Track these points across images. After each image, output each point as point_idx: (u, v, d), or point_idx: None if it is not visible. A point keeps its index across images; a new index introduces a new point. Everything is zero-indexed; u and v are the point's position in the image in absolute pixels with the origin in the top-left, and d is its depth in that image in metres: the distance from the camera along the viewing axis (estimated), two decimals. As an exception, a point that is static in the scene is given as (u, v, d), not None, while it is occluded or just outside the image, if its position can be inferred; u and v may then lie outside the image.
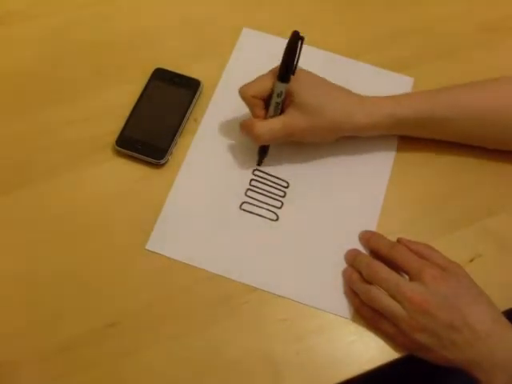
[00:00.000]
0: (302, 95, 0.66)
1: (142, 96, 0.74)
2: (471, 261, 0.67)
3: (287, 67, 0.64)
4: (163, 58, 0.77)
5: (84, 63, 0.78)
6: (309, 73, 0.67)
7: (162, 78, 0.75)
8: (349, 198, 0.70)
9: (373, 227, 0.68)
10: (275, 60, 0.77)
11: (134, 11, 0.82)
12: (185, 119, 0.73)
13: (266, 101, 0.67)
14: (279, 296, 0.65)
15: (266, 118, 0.68)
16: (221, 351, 0.62)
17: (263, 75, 0.67)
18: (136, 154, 0.71)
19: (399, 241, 0.66)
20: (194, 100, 0.74)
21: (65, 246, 0.67)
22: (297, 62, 0.64)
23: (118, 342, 0.62)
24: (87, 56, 0.78)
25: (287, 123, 0.66)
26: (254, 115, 0.68)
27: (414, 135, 0.71)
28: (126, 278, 0.65)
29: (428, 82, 0.75)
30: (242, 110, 0.75)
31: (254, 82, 0.68)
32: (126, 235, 0.67)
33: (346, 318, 0.64)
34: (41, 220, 0.68)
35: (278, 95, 0.66)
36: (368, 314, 0.63)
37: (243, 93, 0.67)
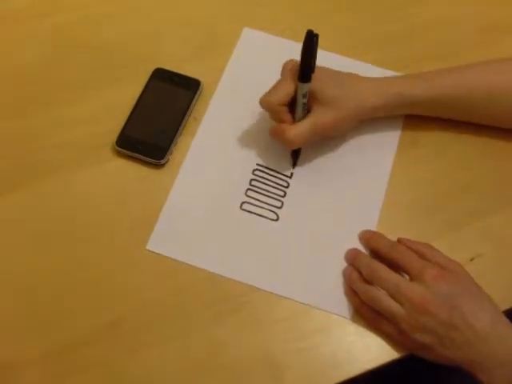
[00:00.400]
0: (324, 91, 0.66)
1: (142, 96, 0.74)
2: (471, 260, 0.67)
3: (308, 67, 0.64)
4: (163, 57, 0.77)
5: (84, 63, 0.78)
6: (323, 68, 0.68)
7: (162, 77, 0.75)
8: (349, 198, 0.70)
9: (373, 227, 0.68)
10: (275, 60, 0.77)
11: (135, 11, 0.82)
12: (185, 119, 0.73)
13: (289, 105, 0.67)
14: (279, 296, 0.65)
15: (294, 121, 0.68)
16: (221, 351, 0.62)
17: (281, 81, 0.67)
18: (136, 154, 0.71)
19: (399, 241, 0.66)
20: (194, 100, 0.74)
21: (65, 246, 0.67)
22: (315, 60, 0.64)
23: (119, 342, 0.62)
24: (87, 56, 0.78)
25: (317, 121, 0.67)
26: (281, 121, 0.68)
27: (423, 114, 0.72)
28: (126, 278, 0.65)
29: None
30: (241, 109, 0.75)
31: (274, 89, 0.67)
32: (126, 235, 0.67)
33: (346, 318, 0.64)
34: (41, 220, 0.68)
35: (304, 96, 0.66)
36: (368, 313, 0.63)
37: (266, 103, 0.67)
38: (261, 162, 0.72)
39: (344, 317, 0.64)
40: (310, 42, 0.63)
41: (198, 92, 0.75)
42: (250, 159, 0.72)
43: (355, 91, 0.68)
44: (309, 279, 0.66)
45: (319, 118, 0.67)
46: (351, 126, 0.71)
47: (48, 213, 0.68)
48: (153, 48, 0.79)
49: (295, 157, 0.71)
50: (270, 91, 0.68)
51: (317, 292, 0.65)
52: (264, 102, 0.68)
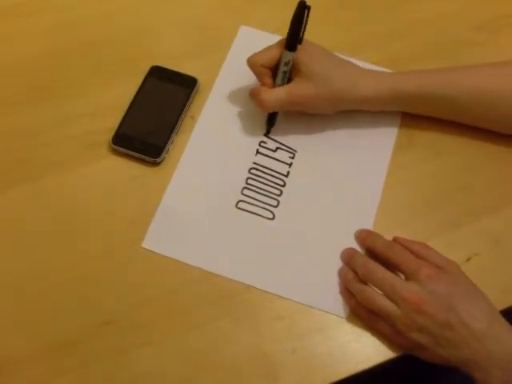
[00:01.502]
0: (309, 65, 0.67)
1: (138, 94, 0.74)
2: (468, 260, 0.67)
3: (294, 36, 0.65)
4: (160, 55, 0.77)
5: (81, 60, 0.77)
6: (315, 44, 0.69)
7: (158, 75, 0.75)
8: (345, 198, 0.70)
9: (369, 226, 0.68)
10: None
11: (131, 9, 0.82)
12: (181, 117, 0.73)
13: (274, 70, 0.69)
14: (275, 295, 0.65)
15: (273, 86, 0.69)
16: (217, 350, 0.62)
17: (271, 45, 0.69)
18: (132, 152, 0.71)
19: (395, 239, 0.66)
20: (191, 98, 0.74)
21: (61, 244, 0.67)
22: (303, 31, 0.65)
23: (115, 340, 0.62)
24: (84, 53, 0.78)
25: (293, 91, 0.68)
26: (262, 84, 0.70)
27: (414, 112, 0.72)
28: (122, 276, 0.65)
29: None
30: (238, 108, 0.75)
31: (262, 51, 0.69)
32: (122, 233, 0.67)
33: (342, 318, 0.64)
34: (36, 217, 0.68)
35: (286, 64, 0.67)
36: (364, 313, 0.63)
37: (251, 62, 0.69)
38: (257, 161, 0.72)
39: (340, 316, 0.64)
40: (301, 12, 0.64)
41: (195, 90, 0.75)
42: (247, 158, 0.72)
43: (341, 76, 0.68)
44: (305, 278, 0.66)
45: (296, 88, 0.68)
46: (330, 109, 0.71)
47: (44, 210, 0.68)
48: (149, 46, 0.79)
49: (270, 122, 0.72)
50: (258, 52, 0.69)
51: (313, 291, 0.65)
52: (249, 61, 0.69)
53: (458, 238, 0.68)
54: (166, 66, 0.76)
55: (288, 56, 0.67)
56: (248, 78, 0.76)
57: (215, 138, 0.73)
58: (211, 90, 0.76)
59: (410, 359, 0.61)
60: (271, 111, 0.71)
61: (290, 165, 0.72)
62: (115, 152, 0.71)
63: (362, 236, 0.67)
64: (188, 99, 0.74)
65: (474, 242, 0.68)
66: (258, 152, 0.72)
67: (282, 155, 0.72)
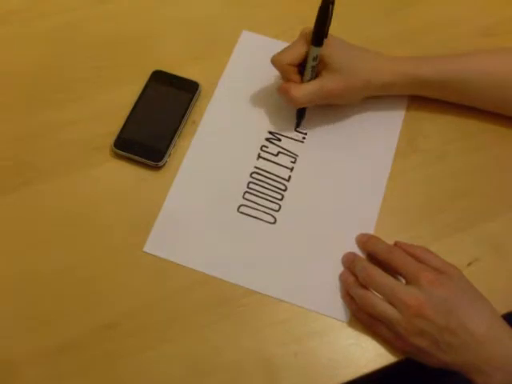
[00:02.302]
0: (335, 58, 0.68)
1: (140, 98, 0.74)
2: (469, 265, 0.67)
3: (320, 31, 0.66)
4: (162, 60, 0.77)
5: (83, 64, 0.78)
6: (335, 37, 0.70)
7: (160, 80, 0.75)
8: (346, 202, 0.70)
9: (370, 230, 0.68)
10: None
11: (134, 13, 0.82)
12: (183, 121, 0.73)
13: (299, 67, 0.70)
14: (276, 299, 0.65)
15: (301, 82, 0.70)
16: (218, 353, 0.62)
17: (295, 42, 0.70)
18: (134, 156, 0.71)
19: (396, 244, 0.66)
20: (193, 102, 0.74)
21: (63, 248, 0.67)
22: (328, 26, 0.66)
23: (116, 344, 0.62)
24: (86, 57, 0.78)
25: (323, 84, 0.69)
26: (289, 81, 0.70)
27: (434, 97, 0.74)
28: (124, 280, 0.65)
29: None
30: (240, 112, 0.75)
31: (286, 50, 0.70)
32: (123, 237, 0.67)
33: (343, 322, 0.64)
34: (39, 221, 0.68)
35: (314, 59, 0.68)
36: (365, 318, 0.63)
37: (277, 62, 0.70)
38: (259, 165, 0.72)
39: (341, 320, 0.64)
40: (326, 7, 0.64)
41: (197, 94, 0.75)
42: (248, 162, 0.72)
43: (365, 64, 0.70)
44: (306, 282, 0.66)
45: (326, 82, 0.69)
46: (357, 98, 0.73)
47: (46, 214, 0.68)
48: (151, 50, 0.79)
49: (299, 117, 0.74)
50: (282, 51, 0.70)
51: (314, 295, 0.65)
52: (275, 61, 0.70)
53: (459, 243, 0.68)
54: (168, 70, 0.76)
55: (315, 51, 0.67)
56: (250, 83, 0.77)
57: (217, 142, 0.73)
58: (213, 95, 0.76)
59: (411, 363, 0.61)
60: (302, 106, 0.72)
61: (292, 169, 0.72)
62: (117, 156, 0.71)
63: (363, 240, 0.67)
64: (190, 104, 0.74)
65: (474, 246, 0.68)
66: (259, 156, 0.73)
67: (284, 159, 0.72)
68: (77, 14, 0.81)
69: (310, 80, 0.70)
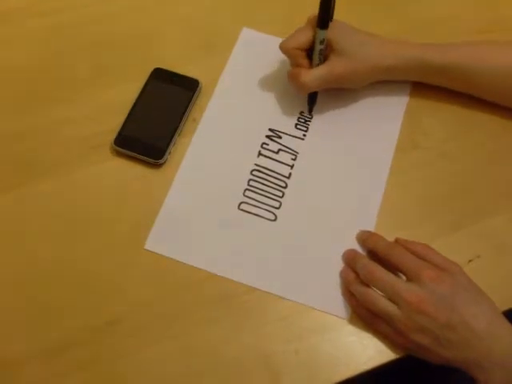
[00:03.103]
0: (342, 42, 0.69)
1: (140, 95, 0.74)
2: (470, 262, 0.67)
3: (325, 14, 0.67)
4: (162, 57, 0.77)
5: (83, 62, 0.78)
6: (340, 21, 0.70)
7: (161, 77, 0.75)
8: (347, 199, 0.70)
9: (371, 228, 0.68)
10: (274, 60, 0.78)
11: (134, 11, 0.82)
12: (183, 119, 0.73)
13: (308, 52, 0.70)
14: (277, 296, 0.65)
15: (310, 66, 0.70)
16: (219, 351, 0.62)
17: (301, 28, 0.70)
18: (134, 154, 0.71)
19: (397, 241, 0.66)
20: (193, 100, 0.74)
21: (64, 245, 0.67)
22: (333, 7, 0.67)
23: (117, 341, 0.62)
24: (87, 55, 0.78)
25: (332, 68, 0.70)
26: (299, 65, 0.71)
27: (438, 83, 0.74)
28: (124, 278, 0.65)
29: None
30: (240, 110, 0.75)
31: (293, 35, 0.70)
32: (124, 235, 0.67)
33: (344, 319, 0.64)
34: (39, 219, 0.68)
35: (321, 42, 0.69)
36: (365, 314, 0.63)
37: (284, 47, 0.70)
38: (259, 163, 0.72)
39: (342, 317, 0.64)
40: None
41: (197, 92, 0.75)
42: (248, 159, 0.72)
43: (372, 47, 0.70)
44: (307, 280, 0.66)
45: (334, 65, 0.70)
46: (365, 80, 0.73)
47: (46, 212, 0.68)
48: (152, 48, 0.79)
49: (311, 102, 0.74)
50: (289, 36, 0.70)
51: (314, 292, 0.65)
52: (283, 47, 0.70)
53: (460, 240, 0.68)
54: (168, 67, 0.76)
55: (322, 34, 0.68)
56: (250, 80, 0.76)
57: (217, 139, 0.73)
58: (213, 92, 0.76)
59: (412, 360, 0.61)
60: (312, 91, 0.72)
61: (292, 166, 0.72)
62: (118, 154, 0.72)
63: (364, 237, 0.67)
64: (190, 101, 0.74)
65: (475, 244, 0.68)
66: (259, 154, 0.73)
67: (284, 157, 0.72)
68: (77, 12, 0.81)
69: (318, 64, 0.70)
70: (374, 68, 0.71)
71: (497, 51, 0.72)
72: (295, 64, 0.71)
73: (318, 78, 0.69)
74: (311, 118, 0.75)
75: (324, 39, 0.68)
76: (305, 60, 0.70)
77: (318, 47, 0.69)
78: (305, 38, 0.69)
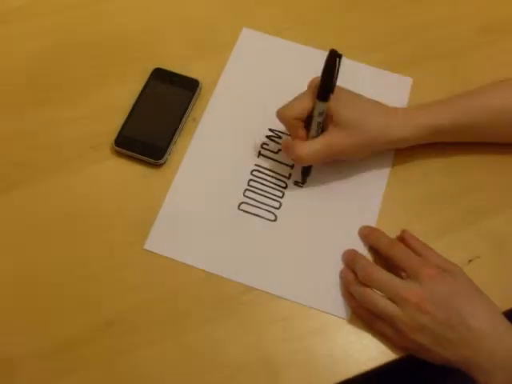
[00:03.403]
0: (342, 113, 0.65)
1: (141, 96, 0.74)
2: (470, 262, 0.67)
3: (327, 86, 0.64)
4: (162, 57, 0.77)
5: (83, 62, 0.78)
6: (344, 89, 0.67)
7: (161, 77, 0.75)
8: (347, 199, 0.70)
9: (372, 226, 0.68)
10: (274, 60, 0.78)
11: (134, 11, 0.82)
12: (184, 119, 0.73)
13: (305, 121, 0.67)
14: (277, 296, 0.65)
15: (307, 138, 0.67)
16: (219, 351, 0.62)
17: (301, 96, 0.67)
18: (135, 154, 0.71)
19: (403, 232, 0.66)
20: (193, 100, 0.74)
21: (63, 245, 0.67)
22: (335, 80, 0.63)
23: (116, 341, 0.62)
24: (86, 55, 0.78)
25: (330, 142, 0.66)
26: (295, 136, 0.67)
27: (448, 141, 0.71)
28: (124, 278, 0.65)
29: (427, 83, 0.75)
30: (240, 110, 0.75)
31: (292, 103, 0.67)
32: (124, 235, 0.67)
33: (344, 319, 0.64)
34: (40, 219, 0.68)
35: (320, 114, 0.65)
36: (365, 315, 0.63)
37: (283, 115, 0.67)
38: (259, 163, 0.72)
39: (341, 317, 0.64)
40: (332, 62, 0.62)
41: (197, 92, 0.75)
42: (248, 160, 0.72)
43: (376, 119, 0.67)
44: (307, 280, 0.66)
45: (332, 138, 0.66)
46: (365, 153, 0.69)
47: (47, 212, 0.69)
48: (152, 48, 0.79)
49: (305, 174, 0.70)
50: (287, 104, 0.67)
51: (314, 292, 0.65)
52: (280, 115, 0.67)
53: (460, 240, 0.68)
54: (168, 68, 0.76)
55: (322, 106, 0.65)
56: (250, 81, 0.76)
57: (217, 140, 0.73)
58: (213, 92, 0.76)
59: (412, 360, 0.61)
60: (308, 164, 0.69)
61: (292, 166, 0.72)
62: (118, 154, 0.72)
63: (365, 233, 0.67)
64: (190, 101, 0.74)
65: (475, 243, 0.68)
66: (260, 154, 0.73)
67: (284, 157, 0.72)
68: (77, 11, 0.81)
69: (316, 136, 0.66)
70: (375, 141, 0.67)
71: (498, 99, 0.69)
72: (292, 134, 0.68)
73: (314, 151, 0.66)
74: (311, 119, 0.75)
75: (324, 111, 0.65)
76: (302, 130, 0.67)
77: (317, 119, 0.65)
78: (302, 109, 0.66)
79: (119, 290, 0.65)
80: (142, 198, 0.70)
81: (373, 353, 0.62)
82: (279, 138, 0.74)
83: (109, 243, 0.67)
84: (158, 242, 0.67)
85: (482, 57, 0.74)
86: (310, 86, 0.66)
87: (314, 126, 0.66)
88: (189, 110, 0.74)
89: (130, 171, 0.71)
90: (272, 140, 0.73)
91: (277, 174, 0.72)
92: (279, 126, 0.74)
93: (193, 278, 0.65)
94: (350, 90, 0.68)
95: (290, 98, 0.73)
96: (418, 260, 0.62)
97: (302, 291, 0.65)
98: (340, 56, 0.62)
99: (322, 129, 0.67)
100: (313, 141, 0.66)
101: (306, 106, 0.66)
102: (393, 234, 0.67)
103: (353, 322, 0.64)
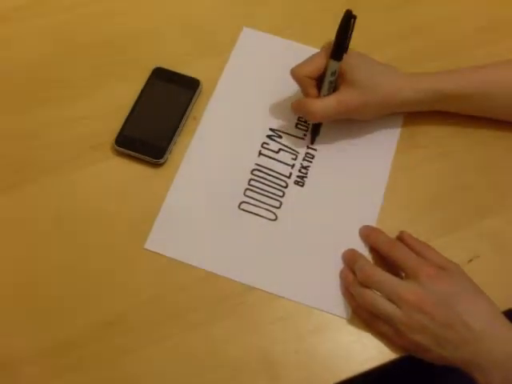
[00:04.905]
0: (354, 73, 0.67)
1: (141, 95, 0.74)
2: (470, 261, 0.67)
3: (341, 46, 0.65)
4: (163, 57, 0.77)
5: (84, 62, 0.78)
6: (358, 52, 0.69)
7: (161, 77, 0.75)
8: (347, 199, 0.70)
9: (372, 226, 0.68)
10: (274, 59, 0.78)
11: (135, 10, 0.82)
12: (184, 118, 0.73)
13: (318, 80, 0.68)
14: (277, 296, 0.65)
15: (319, 96, 0.69)
16: (219, 350, 0.62)
17: (315, 55, 0.68)
18: (135, 153, 0.71)
19: (401, 233, 0.66)
20: (194, 99, 0.74)
21: (63, 244, 0.67)
22: (349, 40, 0.65)
23: (116, 340, 0.62)
24: (87, 55, 0.78)
25: (341, 100, 0.68)
26: (307, 95, 0.69)
27: (455, 111, 0.73)
28: (124, 277, 0.66)
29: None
30: (241, 109, 0.75)
31: (306, 62, 0.68)
32: (124, 234, 0.67)
33: (344, 318, 0.64)
34: (40, 218, 0.68)
35: (332, 74, 0.67)
36: (365, 315, 0.63)
37: (296, 73, 0.68)
38: (259, 162, 0.72)
39: (342, 317, 0.64)
40: (347, 21, 0.63)
41: (198, 91, 0.75)
42: (249, 159, 0.72)
43: (385, 81, 0.69)
44: (307, 279, 0.66)
45: (344, 97, 0.68)
46: (375, 114, 0.71)
47: (47, 211, 0.69)
48: (152, 47, 0.79)
49: (314, 133, 0.72)
50: (302, 63, 0.69)
51: (315, 292, 0.65)
52: (294, 73, 0.68)
53: (460, 240, 0.68)
54: (168, 67, 0.76)
55: (334, 66, 0.66)
56: (250, 80, 0.76)
57: (218, 139, 0.73)
58: (214, 92, 0.76)
59: (412, 360, 0.61)
60: (319, 121, 0.71)
61: (293, 166, 0.72)
62: (118, 153, 0.72)
63: (366, 233, 0.68)
64: (190, 100, 0.74)
65: (475, 243, 0.68)
66: (260, 153, 0.73)
67: (285, 156, 0.73)
68: (77, 11, 0.81)
69: (327, 95, 0.68)
70: (386, 102, 0.69)
71: (510, 72, 0.71)
72: (304, 92, 0.69)
73: (325, 108, 0.68)
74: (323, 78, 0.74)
75: (336, 71, 0.66)
76: (314, 89, 0.68)
77: (329, 78, 0.67)
78: (316, 67, 0.67)
79: (119, 290, 0.65)
80: (143, 197, 0.70)
81: (372, 352, 0.63)
82: (279, 137, 0.74)
83: (109, 243, 0.67)
84: (158, 241, 0.67)
85: (482, 57, 0.74)
86: (323, 47, 0.68)
87: (325, 85, 0.68)
88: (189, 109, 0.74)
89: (131, 171, 0.71)
90: (272, 139, 0.73)
91: (277, 173, 0.72)
92: (279, 126, 0.74)
93: (193, 277, 0.65)
94: (363, 53, 0.69)
95: (290, 98, 0.73)
96: (417, 260, 0.62)
97: (302, 291, 0.65)
98: (355, 17, 0.63)
99: (334, 89, 0.68)
100: (326, 97, 0.68)
101: (319, 64, 0.67)
102: (393, 233, 0.67)
103: (353, 321, 0.64)
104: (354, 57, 0.68)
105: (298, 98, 0.70)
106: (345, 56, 0.66)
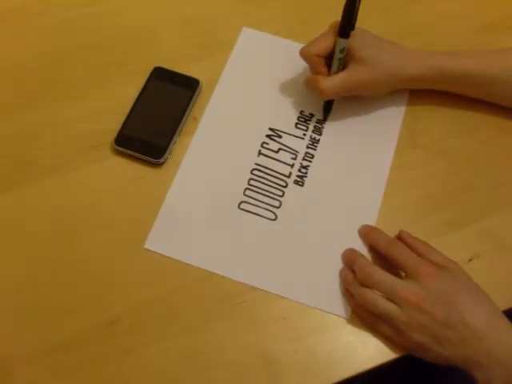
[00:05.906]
0: (362, 50, 0.69)
1: (141, 95, 0.74)
2: (470, 261, 0.67)
3: (347, 23, 0.67)
4: (162, 56, 0.77)
5: (83, 61, 0.78)
6: (365, 30, 0.71)
7: (161, 76, 0.75)
8: (347, 198, 0.70)
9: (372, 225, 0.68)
10: (274, 59, 0.78)
11: (134, 10, 0.82)
12: (184, 118, 0.73)
13: (327, 59, 0.70)
14: (277, 295, 0.65)
15: (329, 74, 0.70)
16: (219, 350, 0.62)
17: (322, 34, 0.70)
18: (135, 153, 0.71)
19: (400, 233, 0.66)
20: (193, 99, 0.74)
21: (63, 245, 0.67)
22: (355, 17, 0.67)
23: (117, 341, 0.62)
24: (87, 54, 0.78)
25: (351, 77, 0.70)
26: (317, 73, 0.71)
27: (457, 92, 0.74)
28: (124, 277, 0.65)
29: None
30: (240, 109, 0.75)
31: (314, 41, 0.70)
32: (124, 234, 0.67)
33: (344, 318, 0.64)
34: (39, 218, 0.68)
35: (341, 51, 0.69)
36: (365, 315, 0.63)
37: (305, 53, 0.70)
38: (259, 162, 0.72)
39: (342, 317, 0.64)
40: (353, 0, 0.65)
41: (197, 91, 0.75)
42: (249, 159, 0.72)
43: (393, 57, 0.70)
44: (307, 279, 0.66)
45: (353, 73, 0.70)
46: (384, 89, 0.73)
47: (46, 211, 0.68)
48: (152, 47, 0.79)
49: (327, 109, 0.74)
50: (310, 42, 0.70)
51: (315, 292, 0.65)
52: (303, 52, 0.70)
53: (460, 239, 0.68)
54: (168, 67, 0.76)
55: (343, 43, 0.68)
56: (250, 80, 0.76)
57: (217, 139, 0.73)
58: (213, 92, 0.76)
59: (412, 360, 0.61)
60: (330, 98, 0.72)
61: (292, 166, 0.72)
62: (118, 153, 0.72)
63: (365, 232, 0.68)
64: (190, 100, 0.74)
65: (475, 242, 0.68)
66: (260, 153, 0.73)
67: (284, 156, 0.73)
68: (77, 10, 0.81)
69: (337, 72, 0.70)
70: (394, 77, 0.71)
71: None
72: (314, 71, 0.71)
73: (335, 84, 0.69)
74: (311, 118, 0.75)
75: (344, 48, 0.68)
76: (324, 67, 0.70)
77: (338, 55, 0.69)
78: (325, 45, 0.69)
79: (119, 290, 0.65)
80: (142, 197, 0.70)
81: (373, 352, 0.62)
82: (279, 137, 0.74)
83: (109, 242, 0.67)
84: (158, 241, 0.67)
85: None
86: (331, 26, 0.70)
87: (335, 63, 0.70)
88: (189, 109, 0.74)
89: (131, 171, 0.71)
90: (272, 139, 0.73)
91: (277, 172, 0.72)
92: (279, 125, 0.74)
93: (193, 277, 0.65)
94: (369, 31, 0.71)
95: (290, 98, 0.74)
96: (417, 259, 0.62)
97: (302, 290, 0.65)
98: None
99: (343, 66, 0.70)
100: (335, 75, 0.70)
101: (327, 43, 0.69)
102: (393, 233, 0.67)
103: (353, 321, 0.64)
104: (361, 34, 0.70)
105: (309, 75, 0.71)
106: (352, 33, 0.67)
